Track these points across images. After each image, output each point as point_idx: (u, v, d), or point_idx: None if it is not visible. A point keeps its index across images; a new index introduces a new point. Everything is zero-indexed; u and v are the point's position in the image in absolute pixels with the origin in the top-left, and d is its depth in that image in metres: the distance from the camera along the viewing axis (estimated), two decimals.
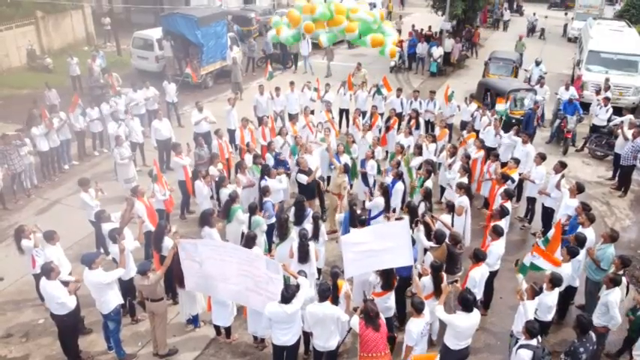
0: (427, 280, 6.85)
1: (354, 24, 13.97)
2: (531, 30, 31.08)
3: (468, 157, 10.56)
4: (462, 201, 8.82)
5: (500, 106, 13.33)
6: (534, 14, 31.98)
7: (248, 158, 10.55)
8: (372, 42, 14.34)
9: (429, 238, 7.76)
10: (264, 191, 9.08)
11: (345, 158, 10.52)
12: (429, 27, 25.25)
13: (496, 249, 7.63)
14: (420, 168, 10.42)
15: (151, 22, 26.37)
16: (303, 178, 9.84)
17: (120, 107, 13.58)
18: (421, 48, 22.77)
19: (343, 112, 15.46)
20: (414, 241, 7.41)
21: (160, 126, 12.43)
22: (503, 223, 8.22)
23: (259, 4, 35.56)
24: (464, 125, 13.44)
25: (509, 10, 35.49)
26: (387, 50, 14.63)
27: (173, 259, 6.92)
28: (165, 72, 18.93)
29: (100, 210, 8.34)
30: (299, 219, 8.33)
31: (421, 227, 7.94)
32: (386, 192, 9.03)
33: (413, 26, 25.26)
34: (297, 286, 6.23)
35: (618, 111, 14.81)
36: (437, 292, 6.69)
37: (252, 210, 8.37)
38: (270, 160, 10.54)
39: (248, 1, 35.18)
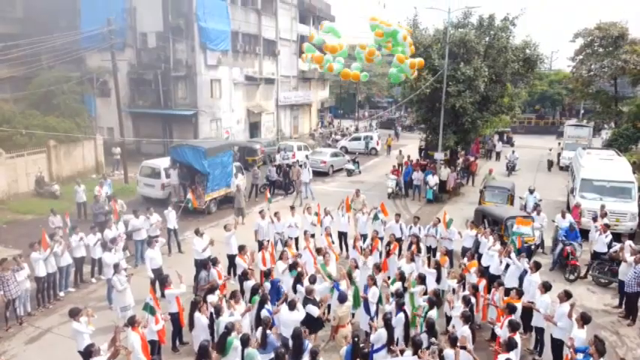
0: None
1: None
2: (512, 169, 29.84)
3: (475, 288, 10.39)
4: (464, 331, 8.50)
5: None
6: (514, 152, 31.14)
7: (247, 286, 10.35)
8: (398, 59, 13.82)
9: None
10: (265, 323, 8.64)
11: (344, 285, 10.27)
12: (425, 157, 26.55)
13: None
14: (425, 293, 10.20)
15: (161, 152, 27.73)
16: (315, 311, 9.37)
17: (121, 232, 13.72)
18: (417, 176, 23.64)
19: (342, 236, 15.58)
20: None
21: (154, 255, 12.43)
22: (513, 357, 7.82)
23: (264, 136, 37.83)
24: (464, 252, 13.42)
25: (501, 142, 37.41)
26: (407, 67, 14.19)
27: None
28: (170, 199, 19.47)
29: (90, 344, 7.95)
30: (297, 353, 7.90)
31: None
32: (388, 324, 8.71)
33: (408, 157, 26.73)
34: None
35: (617, 237, 14.88)
36: None
37: (245, 342, 7.92)
38: (267, 287, 10.31)
39: (254, 134, 37.45)
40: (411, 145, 36.00)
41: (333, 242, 13.75)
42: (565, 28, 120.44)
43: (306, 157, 27.91)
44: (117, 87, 24.46)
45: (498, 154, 35.39)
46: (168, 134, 31.42)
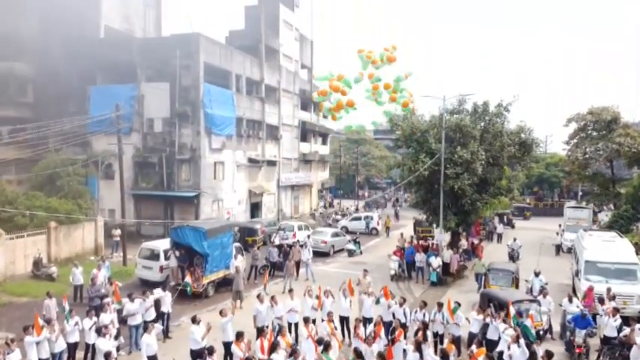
0: None
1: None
2: (516, 258, 26.40)
3: None
4: None
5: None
6: (515, 240, 27.78)
7: None
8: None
9: None
10: None
11: None
12: (426, 239, 26.45)
13: None
14: None
15: (161, 234, 27.63)
16: None
17: (113, 318, 13.37)
18: (419, 258, 23.34)
19: (344, 320, 15.08)
20: None
21: (150, 340, 12.03)
22: None
23: (265, 216, 37.97)
24: (471, 338, 12.95)
25: (502, 224, 37.37)
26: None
27: None
28: (168, 281, 19.11)
29: None
30: None
31: None
32: None
33: (411, 237, 26.58)
34: None
35: (624, 320, 14.46)
36: None
37: None
38: None
39: (255, 214, 37.62)
40: (410, 226, 35.97)
41: (335, 328, 13.29)
42: (558, 112, 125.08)
43: (308, 236, 27.81)
44: (121, 170, 24.85)
45: (500, 236, 35.22)
46: (170, 215, 31.48)
